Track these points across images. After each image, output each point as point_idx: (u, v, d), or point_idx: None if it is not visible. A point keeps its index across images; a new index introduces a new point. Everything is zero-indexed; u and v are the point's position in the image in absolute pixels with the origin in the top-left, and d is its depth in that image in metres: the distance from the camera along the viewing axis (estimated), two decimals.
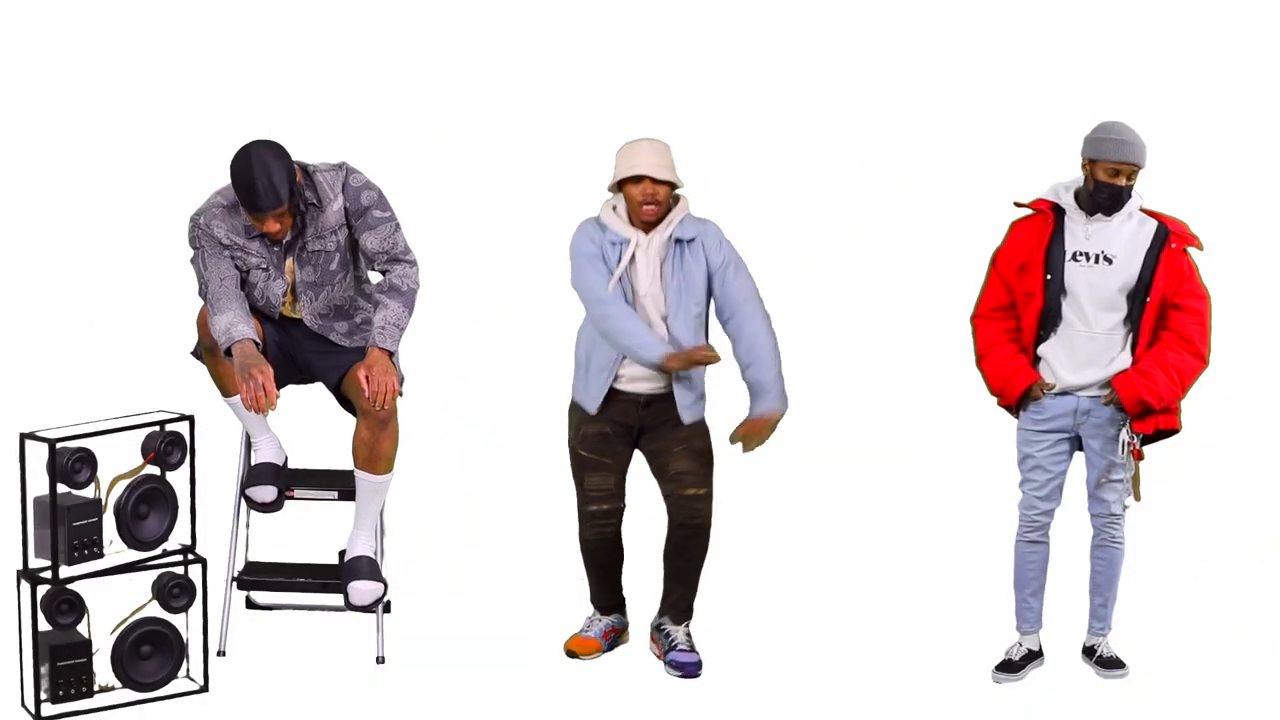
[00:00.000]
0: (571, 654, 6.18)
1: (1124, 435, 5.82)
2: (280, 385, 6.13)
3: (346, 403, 6.12)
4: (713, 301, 6.08)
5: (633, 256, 5.97)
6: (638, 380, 6.04)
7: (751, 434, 6.03)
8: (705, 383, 6.13)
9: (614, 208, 6.04)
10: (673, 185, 5.97)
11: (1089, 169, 5.79)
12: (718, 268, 6.02)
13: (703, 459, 6.08)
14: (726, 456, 6.16)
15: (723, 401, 6.18)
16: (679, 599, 6.17)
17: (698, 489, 6.06)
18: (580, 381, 6.11)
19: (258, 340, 5.76)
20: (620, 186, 5.99)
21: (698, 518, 6.07)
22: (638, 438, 6.13)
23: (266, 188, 5.68)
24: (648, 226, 5.99)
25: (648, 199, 5.93)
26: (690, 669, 6.06)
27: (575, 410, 6.14)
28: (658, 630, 6.24)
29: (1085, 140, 5.81)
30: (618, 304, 5.93)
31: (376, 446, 6.00)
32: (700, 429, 6.11)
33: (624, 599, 6.34)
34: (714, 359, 5.91)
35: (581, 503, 6.14)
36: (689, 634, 6.17)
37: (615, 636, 6.31)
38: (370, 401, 5.83)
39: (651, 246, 5.99)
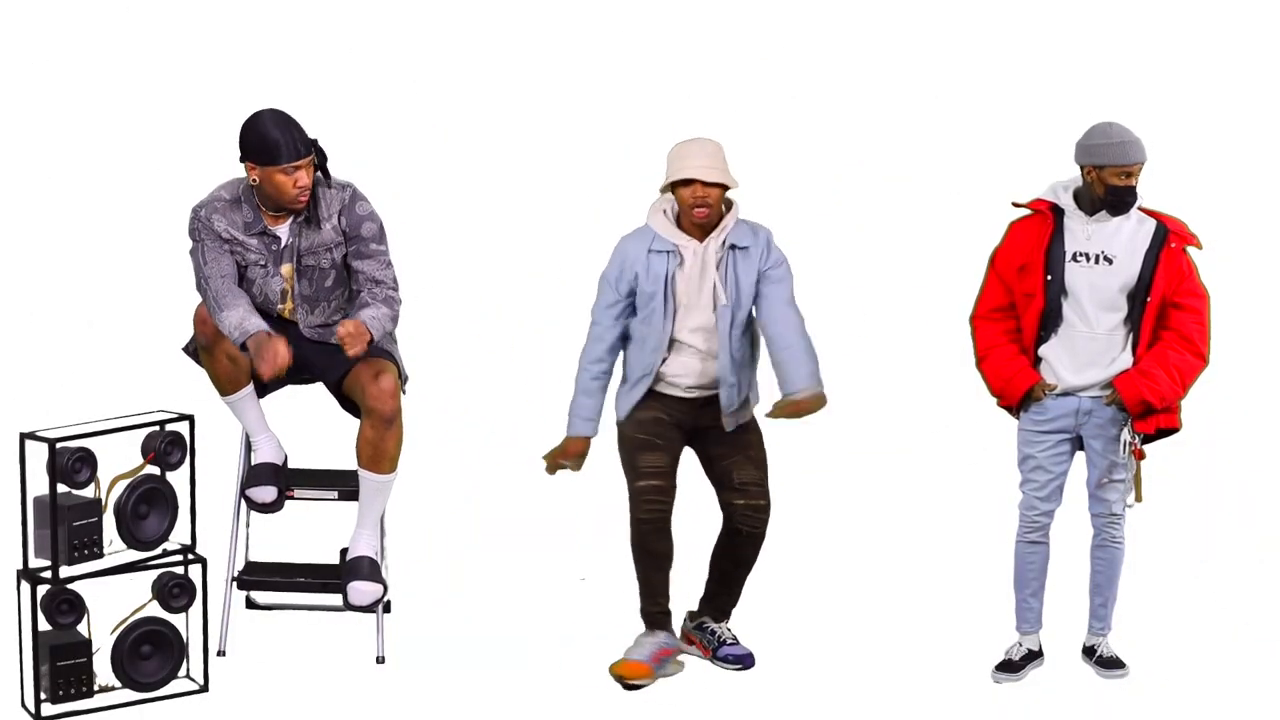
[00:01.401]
0: (621, 680, 5.92)
1: (1125, 435, 5.82)
2: (281, 385, 6.15)
3: (347, 402, 6.12)
4: (758, 308, 6.01)
5: (680, 263, 5.92)
6: (682, 385, 6.00)
7: (796, 413, 5.92)
8: (751, 386, 6.09)
9: (664, 211, 5.98)
10: (725, 187, 5.90)
11: (1093, 176, 5.77)
12: (764, 270, 5.96)
13: (765, 468, 6.06)
14: None
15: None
16: (724, 602, 6.16)
17: (762, 499, 6.03)
18: (623, 390, 6.09)
19: (270, 332, 5.77)
20: (672, 189, 5.92)
21: (760, 527, 6.04)
22: (691, 436, 6.07)
23: (293, 135, 5.73)
24: (701, 232, 5.94)
25: (698, 202, 5.85)
26: (749, 660, 6.09)
27: (620, 420, 6.07)
28: (698, 629, 6.20)
29: (1082, 149, 5.78)
30: (591, 364, 5.96)
31: (380, 446, 6.00)
32: (758, 436, 6.09)
33: (670, 612, 6.05)
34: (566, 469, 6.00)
35: (633, 480, 5.96)
36: (731, 631, 6.18)
37: (666, 659, 6.04)
38: (377, 402, 5.83)
39: (706, 252, 5.93)
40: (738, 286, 5.95)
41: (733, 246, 5.95)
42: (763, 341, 6.06)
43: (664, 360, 5.98)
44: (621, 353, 6.06)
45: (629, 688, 5.90)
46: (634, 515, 5.95)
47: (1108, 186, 5.76)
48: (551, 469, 6.07)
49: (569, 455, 6.02)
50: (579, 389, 6.00)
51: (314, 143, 5.83)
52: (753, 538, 6.05)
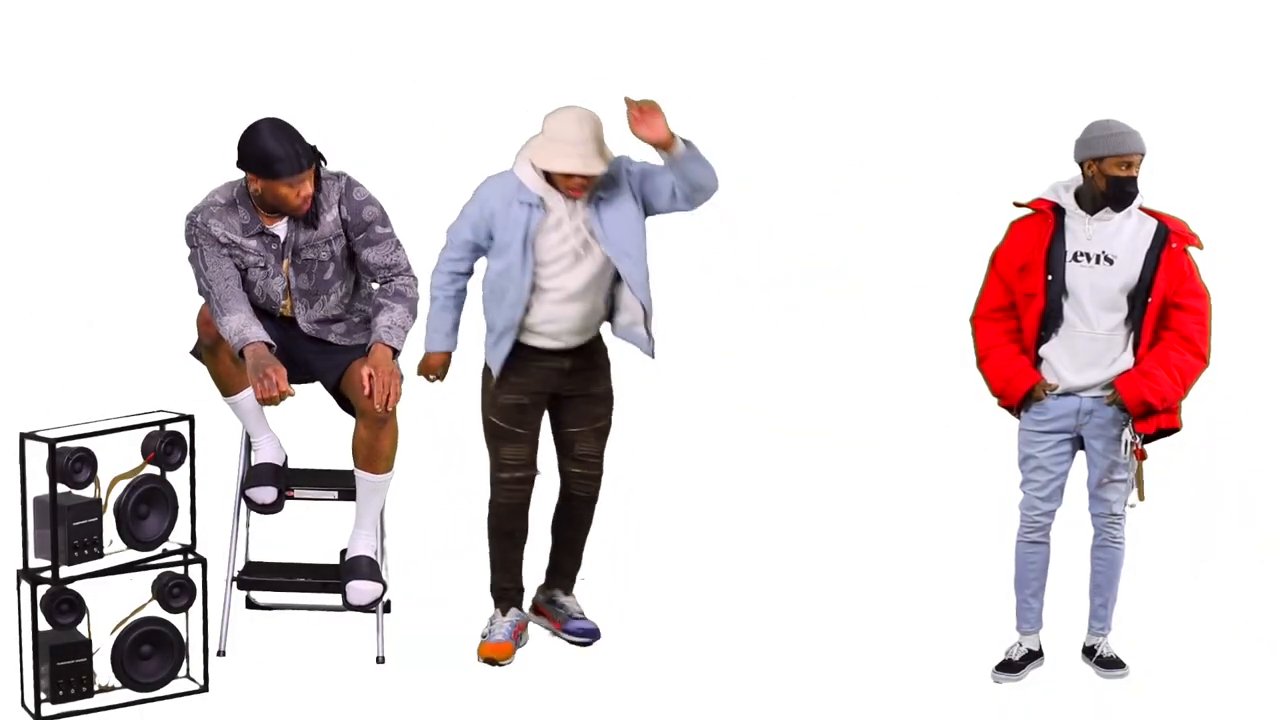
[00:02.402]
0: (491, 661, 6.10)
1: (1126, 435, 5.82)
2: None
3: (345, 402, 6.12)
4: (655, 201, 5.97)
5: (544, 216, 5.90)
6: (549, 336, 6.03)
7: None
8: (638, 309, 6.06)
9: (532, 164, 5.93)
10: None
11: (1094, 169, 5.77)
12: (640, 185, 5.93)
13: (605, 439, 6.19)
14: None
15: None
16: (569, 567, 6.30)
17: (597, 470, 6.20)
18: (489, 342, 6.12)
19: (270, 343, 5.77)
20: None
21: (593, 492, 6.21)
22: (550, 403, 6.15)
23: (295, 150, 5.72)
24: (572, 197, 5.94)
25: (576, 188, 5.87)
26: (594, 634, 6.22)
27: (488, 374, 6.13)
28: (549, 604, 6.31)
29: (1080, 144, 5.79)
30: (446, 283, 6.04)
31: (376, 445, 6.00)
32: (609, 405, 6.18)
33: (523, 588, 6.30)
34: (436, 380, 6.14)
35: (495, 469, 6.15)
36: (579, 604, 6.30)
37: (522, 633, 6.27)
38: (374, 403, 5.83)
39: (578, 207, 5.91)
40: (626, 225, 5.92)
41: (599, 199, 5.92)
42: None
43: (527, 310, 6.00)
44: (483, 301, 6.11)
45: (495, 665, 6.10)
46: (493, 499, 6.18)
47: (1109, 179, 5.76)
48: (429, 379, 6.18)
49: (430, 368, 6.16)
50: (434, 306, 6.13)
51: (313, 149, 5.83)
52: (587, 501, 6.23)
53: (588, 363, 6.13)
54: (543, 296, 5.98)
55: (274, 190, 5.78)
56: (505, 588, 6.24)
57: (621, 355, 6.24)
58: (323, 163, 5.88)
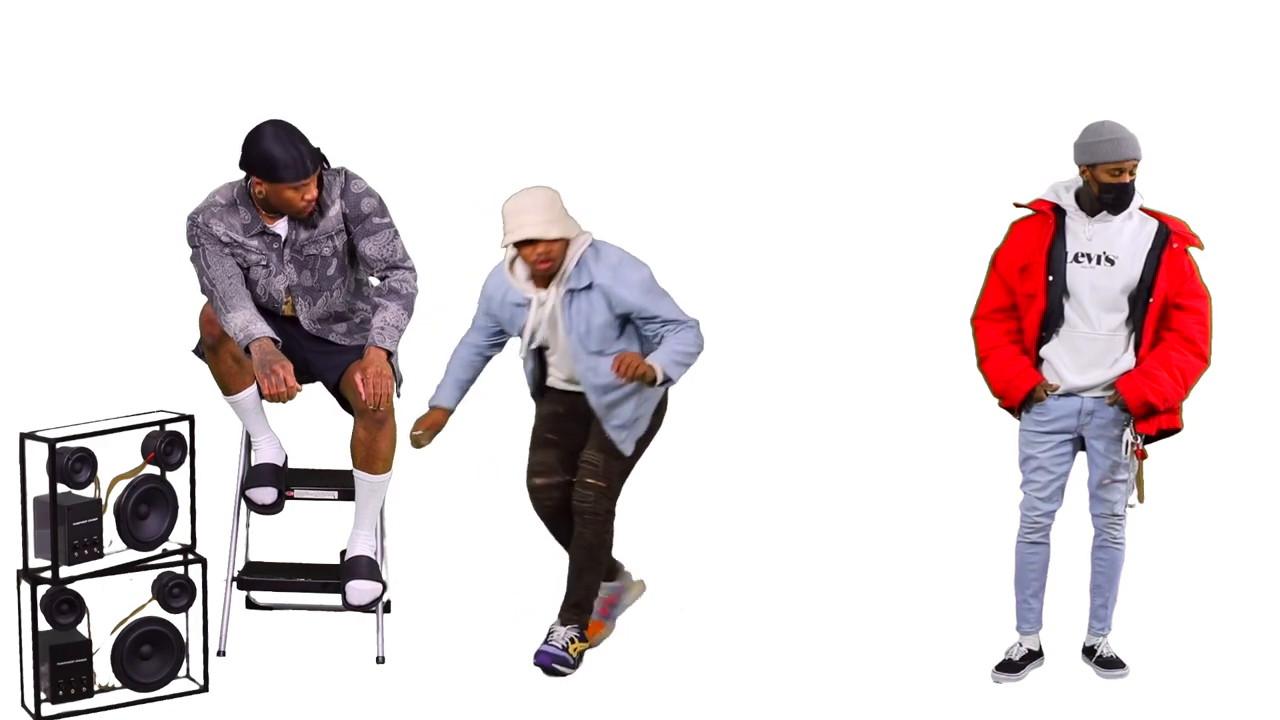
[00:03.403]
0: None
1: (1127, 436, 5.82)
2: None
3: (346, 402, 6.12)
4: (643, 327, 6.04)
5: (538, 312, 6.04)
6: (555, 380, 6.21)
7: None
8: (640, 403, 6.09)
9: (512, 263, 6.04)
10: (566, 240, 5.93)
11: (1088, 175, 5.79)
12: (635, 309, 5.95)
13: (611, 454, 6.10)
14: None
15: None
16: (568, 593, 6.15)
17: (592, 479, 6.09)
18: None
19: (275, 338, 5.77)
20: (515, 246, 5.94)
21: (587, 504, 6.09)
22: (589, 421, 6.18)
23: (300, 154, 5.74)
24: (546, 279, 5.98)
25: (540, 258, 5.91)
26: (544, 657, 6.05)
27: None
28: (548, 630, 6.18)
29: (1077, 148, 5.80)
30: (462, 349, 6.24)
31: (374, 446, 6.00)
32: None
33: (615, 564, 6.32)
34: (419, 442, 6.13)
35: (527, 473, 6.25)
36: (572, 639, 6.11)
37: (614, 606, 6.31)
38: (366, 402, 5.84)
39: (549, 301, 6.00)
40: (588, 325, 5.98)
41: (570, 292, 5.97)
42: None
43: (545, 376, 6.22)
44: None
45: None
46: (533, 506, 6.27)
47: (1102, 185, 5.76)
48: (414, 442, 6.15)
49: (426, 424, 6.15)
50: (450, 365, 6.25)
51: (317, 151, 5.83)
52: (581, 515, 6.10)
53: None
54: (553, 369, 6.18)
55: (279, 194, 5.79)
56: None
57: None
58: (325, 165, 5.89)
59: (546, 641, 6.10)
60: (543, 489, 6.20)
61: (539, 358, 6.20)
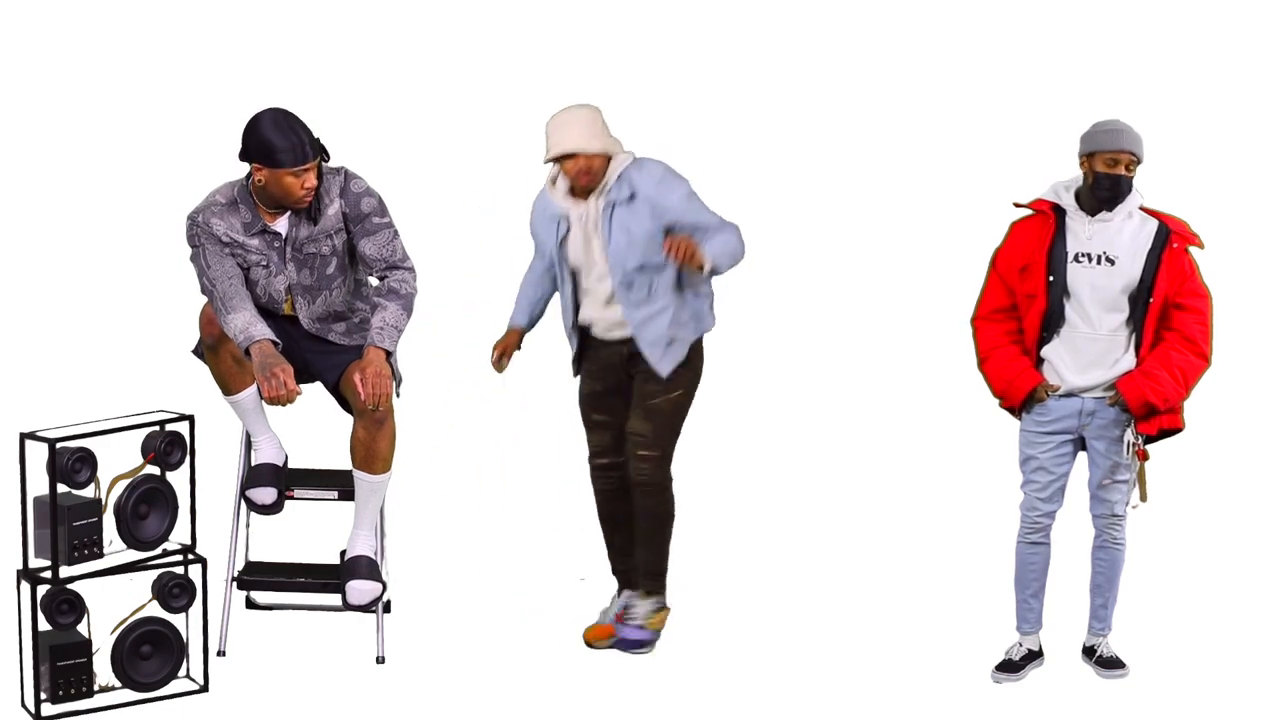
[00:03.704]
0: (589, 644, 6.21)
1: (1128, 436, 5.82)
2: None
3: (345, 402, 6.12)
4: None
5: (567, 229, 6.07)
6: (610, 328, 6.14)
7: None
8: (675, 325, 6.09)
9: (553, 180, 6.09)
10: (607, 156, 5.98)
11: (1087, 165, 5.80)
12: (677, 220, 5.97)
13: (658, 420, 6.10)
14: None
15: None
16: (642, 562, 6.23)
17: (643, 449, 6.11)
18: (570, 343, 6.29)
19: (276, 340, 5.77)
20: (557, 161, 6.00)
21: (644, 476, 6.12)
22: (626, 390, 6.20)
23: (301, 140, 5.75)
24: (587, 194, 6.02)
25: (581, 172, 5.95)
26: (626, 645, 6.17)
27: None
28: (626, 604, 6.27)
29: (1080, 139, 5.81)
30: (530, 272, 6.28)
31: (373, 446, 6.00)
32: (668, 387, 6.12)
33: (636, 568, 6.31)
34: (499, 367, 6.26)
35: (588, 456, 6.29)
36: (654, 610, 6.21)
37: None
38: (365, 402, 5.84)
39: (589, 214, 6.03)
40: (629, 236, 5.98)
41: (613, 205, 5.99)
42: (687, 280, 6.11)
43: (577, 310, 6.17)
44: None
45: (589, 646, 6.19)
46: (592, 486, 6.29)
47: (1097, 175, 5.76)
48: (495, 366, 6.28)
49: (501, 346, 6.27)
50: (521, 287, 6.33)
51: (318, 141, 5.84)
52: (641, 487, 6.14)
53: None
54: (586, 298, 6.15)
55: (279, 180, 5.78)
56: (617, 570, 6.34)
57: None
58: (325, 159, 5.89)
59: (626, 619, 6.21)
60: (604, 469, 6.23)
61: (583, 334, 6.17)
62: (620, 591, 6.32)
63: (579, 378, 6.29)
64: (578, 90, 8.09)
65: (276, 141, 5.73)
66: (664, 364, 6.09)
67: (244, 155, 5.82)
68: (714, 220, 6.00)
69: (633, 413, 6.14)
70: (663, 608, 6.24)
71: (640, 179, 5.98)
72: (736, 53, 8.13)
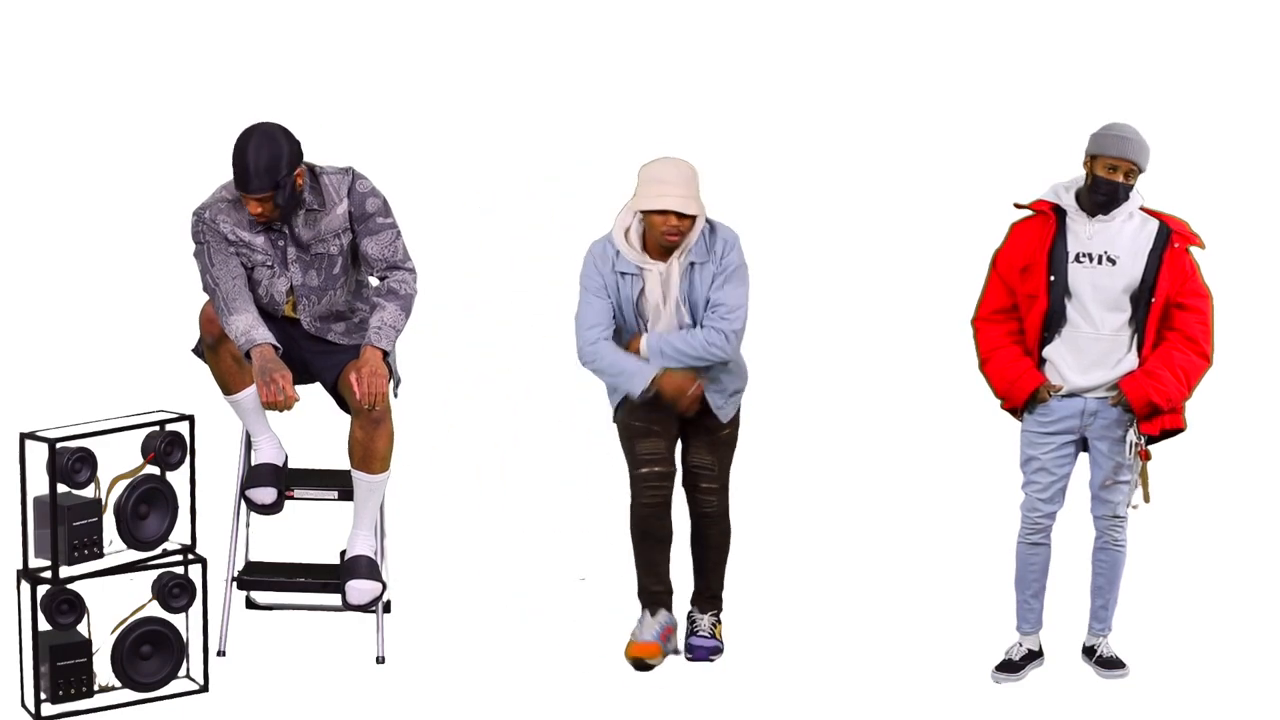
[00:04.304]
0: (639, 662, 6.06)
1: (1130, 436, 5.82)
2: None
3: (344, 402, 6.12)
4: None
5: (643, 286, 6.00)
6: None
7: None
8: (739, 380, 6.19)
9: (627, 230, 5.99)
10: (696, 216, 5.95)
11: (1089, 166, 5.80)
12: (719, 275, 6.00)
13: (722, 452, 6.19)
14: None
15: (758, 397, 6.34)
16: (703, 586, 6.27)
17: (707, 483, 6.18)
18: (610, 388, 6.19)
19: (276, 345, 5.77)
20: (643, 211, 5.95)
21: (710, 509, 6.20)
22: (683, 424, 6.17)
23: (258, 168, 5.68)
24: (665, 252, 5.97)
25: (672, 230, 5.91)
26: (701, 652, 6.19)
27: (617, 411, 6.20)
28: (688, 619, 6.30)
29: (1089, 137, 5.81)
30: (606, 344, 6.00)
31: (371, 446, 6.00)
32: (725, 426, 6.18)
33: (672, 590, 6.20)
34: (698, 393, 6.05)
35: (634, 467, 6.09)
36: (714, 623, 6.27)
37: (671, 636, 6.19)
38: (360, 401, 5.84)
39: (670, 275, 5.98)
40: (697, 296, 6.01)
41: (692, 264, 5.98)
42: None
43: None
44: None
45: (642, 668, 6.04)
46: (636, 500, 6.09)
47: (1096, 178, 5.77)
48: (691, 405, 6.06)
49: (678, 384, 6.01)
50: (611, 352, 6.00)
51: (292, 166, 5.77)
52: (706, 517, 6.21)
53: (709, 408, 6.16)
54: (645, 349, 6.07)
55: (238, 190, 5.79)
56: (655, 591, 6.15)
57: None
58: (315, 179, 5.86)
59: (692, 633, 6.22)
60: (660, 477, 6.05)
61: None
62: (655, 612, 6.13)
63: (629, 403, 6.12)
64: (578, 90, 8.10)
65: (243, 164, 5.69)
66: (726, 412, 6.15)
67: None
68: (727, 303, 5.97)
69: (696, 445, 6.16)
70: (719, 621, 6.30)
71: (717, 242, 5.99)
72: (736, 54, 8.13)
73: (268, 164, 5.68)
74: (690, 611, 6.30)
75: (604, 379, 6.09)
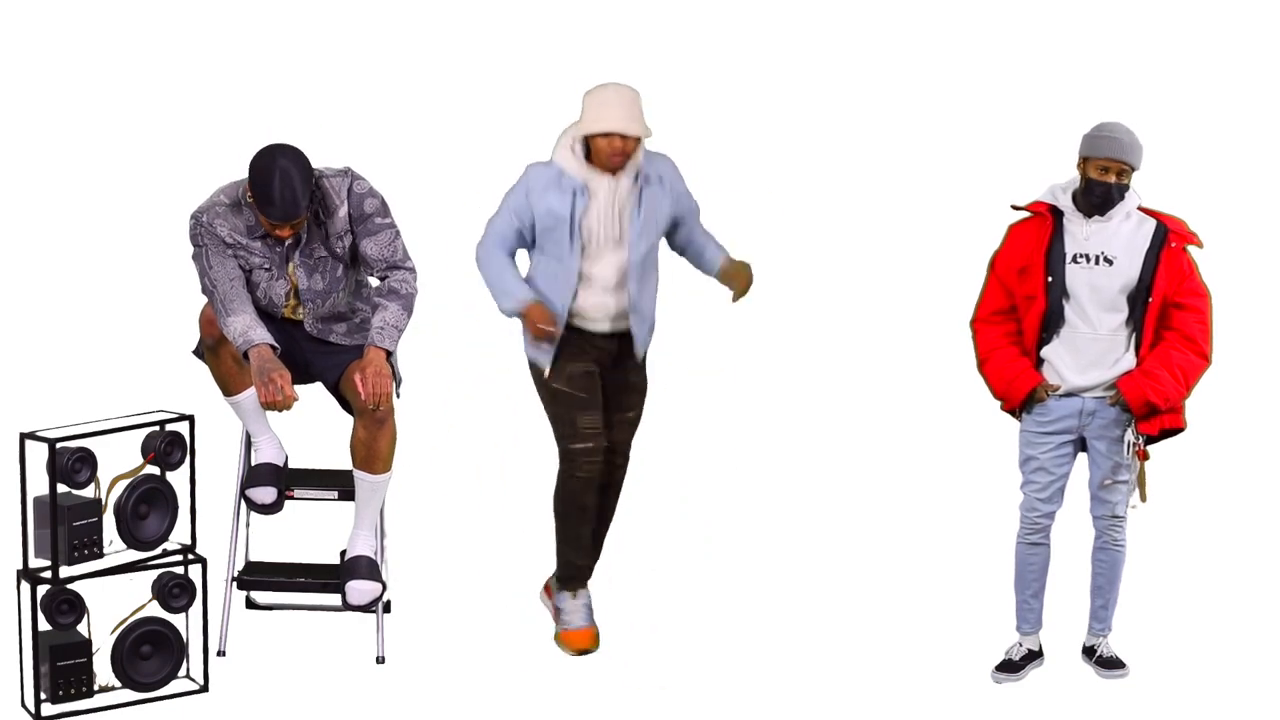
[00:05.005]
0: (582, 653, 6.13)
1: (1129, 436, 5.82)
2: None
3: (345, 402, 6.12)
4: (675, 232, 6.25)
5: (588, 201, 6.02)
6: (597, 321, 6.12)
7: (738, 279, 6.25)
8: (653, 314, 6.27)
9: (572, 149, 6.03)
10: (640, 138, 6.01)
11: (1082, 168, 5.80)
12: (686, 211, 6.16)
13: (633, 429, 6.31)
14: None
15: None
16: (564, 560, 6.29)
17: (621, 459, 6.30)
18: (527, 338, 6.18)
19: (274, 345, 5.77)
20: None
21: (618, 481, 6.30)
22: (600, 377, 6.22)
23: (287, 199, 5.68)
24: (613, 171, 6.01)
25: (617, 153, 5.96)
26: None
27: (536, 366, 6.21)
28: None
29: (1081, 139, 5.82)
30: (501, 255, 6.06)
31: (373, 446, 6.00)
32: (641, 396, 6.30)
33: (593, 563, 6.31)
34: (554, 335, 6.03)
35: (571, 440, 6.09)
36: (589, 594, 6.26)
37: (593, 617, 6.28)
38: (365, 402, 5.84)
39: (619, 189, 6.01)
40: (654, 218, 6.06)
41: (646, 179, 6.03)
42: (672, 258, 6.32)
43: (575, 296, 6.08)
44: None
45: (583, 654, 6.11)
46: (568, 474, 6.11)
47: (1088, 180, 5.77)
48: (541, 336, 6.04)
49: (542, 319, 6.03)
50: (500, 266, 6.08)
51: (313, 194, 5.78)
52: (616, 488, 6.31)
53: (630, 351, 6.21)
54: (589, 284, 6.08)
55: (263, 219, 5.79)
56: (581, 565, 6.22)
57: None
58: (316, 184, 5.87)
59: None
60: (595, 453, 6.08)
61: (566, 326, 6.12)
62: (576, 591, 6.22)
63: (560, 362, 6.12)
64: (578, 90, 8.10)
65: (270, 195, 5.66)
66: (645, 347, 6.23)
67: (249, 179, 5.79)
68: (702, 228, 6.26)
69: (618, 423, 6.24)
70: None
71: (663, 166, 6.12)
72: (735, 56, 8.13)
73: (296, 193, 5.68)
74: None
75: (486, 283, 6.12)
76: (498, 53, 8.15)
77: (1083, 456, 5.96)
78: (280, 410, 5.74)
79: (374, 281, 6.13)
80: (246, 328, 5.77)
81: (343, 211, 5.92)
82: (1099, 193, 5.77)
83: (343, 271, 6.00)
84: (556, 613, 6.25)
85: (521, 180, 6.10)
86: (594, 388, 6.13)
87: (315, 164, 5.92)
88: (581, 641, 6.17)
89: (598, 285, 6.09)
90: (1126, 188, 5.79)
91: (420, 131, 8.03)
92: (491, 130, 8.06)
